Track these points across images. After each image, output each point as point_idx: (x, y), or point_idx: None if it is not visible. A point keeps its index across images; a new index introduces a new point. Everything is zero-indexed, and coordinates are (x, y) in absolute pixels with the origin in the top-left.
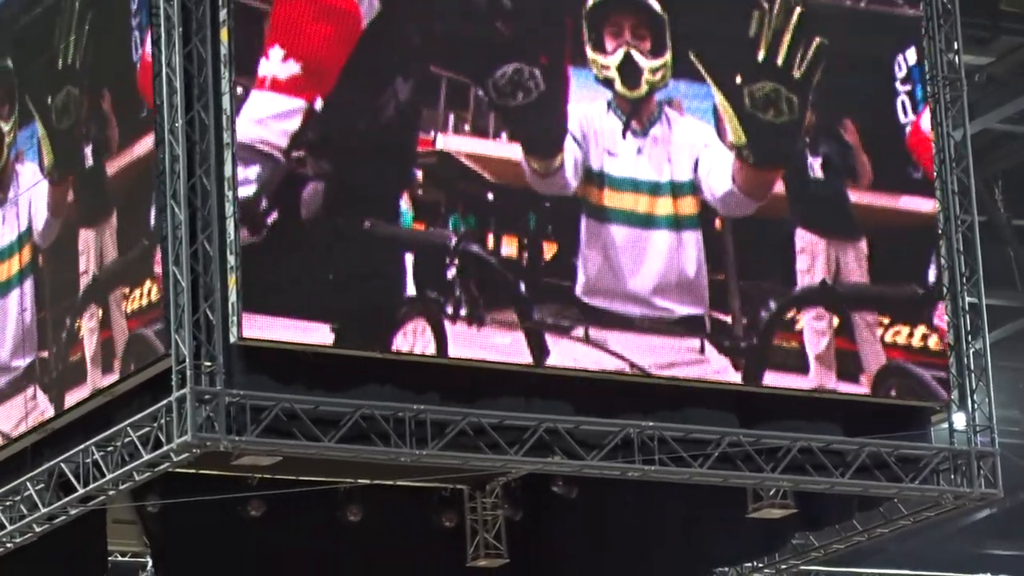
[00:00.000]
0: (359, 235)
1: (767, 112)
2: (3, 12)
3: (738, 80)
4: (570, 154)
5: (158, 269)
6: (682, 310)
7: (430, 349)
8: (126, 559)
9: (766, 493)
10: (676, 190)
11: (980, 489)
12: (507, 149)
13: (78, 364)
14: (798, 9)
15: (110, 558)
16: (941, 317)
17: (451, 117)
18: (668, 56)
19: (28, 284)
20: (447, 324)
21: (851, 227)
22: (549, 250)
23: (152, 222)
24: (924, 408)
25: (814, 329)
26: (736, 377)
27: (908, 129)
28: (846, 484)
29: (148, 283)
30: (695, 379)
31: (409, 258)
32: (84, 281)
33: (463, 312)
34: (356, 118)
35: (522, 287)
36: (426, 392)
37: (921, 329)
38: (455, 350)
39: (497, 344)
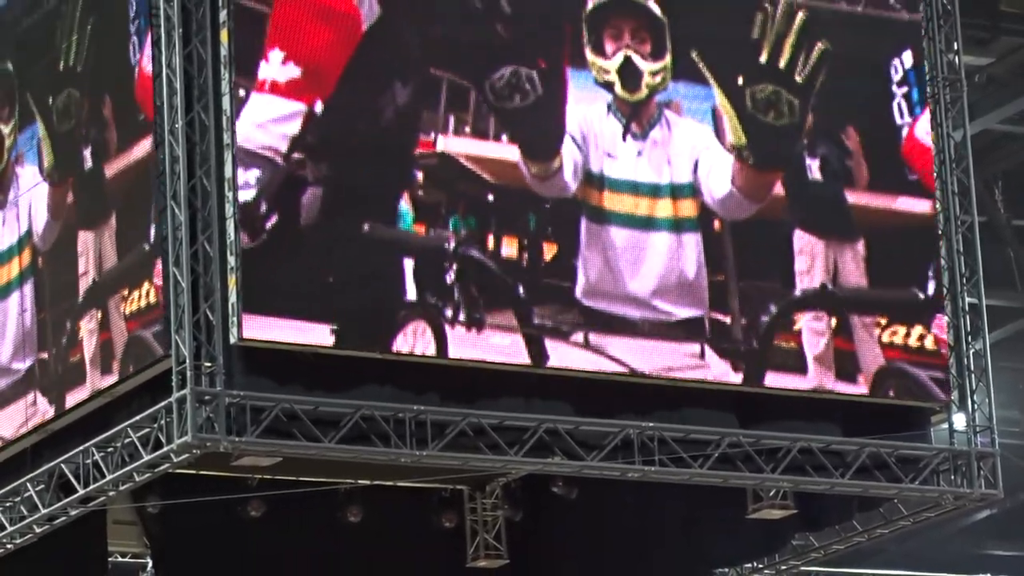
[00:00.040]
0: (358, 238)
1: (768, 114)
2: (4, 15)
3: (740, 81)
4: (569, 156)
5: (156, 271)
6: (682, 312)
7: (430, 350)
8: (126, 560)
9: (766, 494)
10: (676, 192)
11: (980, 490)
12: (507, 151)
13: (77, 365)
14: (800, 14)
15: (110, 559)
16: (940, 325)
17: (451, 119)
18: (668, 59)
19: (28, 286)
20: (447, 327)
21: (849, 228)
22: (549, 251)
23: (151, 224)
24: (924, 408)
25: (812, 330)
26: (736, 378)
27: (904, 133)
28: (846, 485)
29: (146, 285)
30: (695, 379)
31: (408, 262)
32: (83, 283)
33: (462, 317)
34: (356, 121)
35: (521, 290)
36: (426, 393)
37: (920, 330)
38: (455, 351)
39: (497, 345)
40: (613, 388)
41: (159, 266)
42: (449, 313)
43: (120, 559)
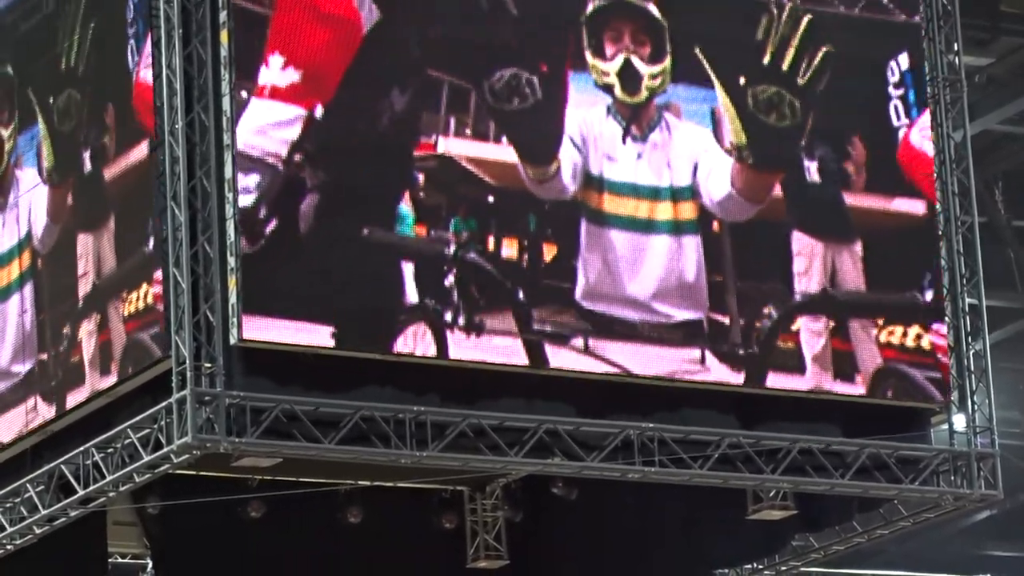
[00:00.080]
0: (358, 241)
1: (769, 115)
2: (4, 18)
3: (741, 81)
4: (568, 159)
5: (155, 274)
6: (681, 315)
7: (430, 351)
8: (126, 560)
9: (766, 494)
10: (676, 195)
11: (980, 490)
12: (506, 152)
13: (76, 366)
14: (807, 17)
15: (110, 559)
16: (938, 330)
17: (452, 121)
18: (667, 62)
19: (28, 289)
20: (447, 331)
21: (847, 229)
22: (549, 252)
23: (149, 228)
24: (924, 409)
25: (811, 330)
26: (736, 379)
27: (900, 136)
28: (846, 485)
29: (145, 287)
30: (696, 380)
31: (408, 267)
32: (83, 284)
33: (461, 321)
34: (356, 124)
35: (521, 295)
36: (426, 393)
37: (917, 330)
38: (455, 351)
39: (497, 346)
40: (613, 389)
41: (158, 269)
42: (449, 318)
43: (120, 560)
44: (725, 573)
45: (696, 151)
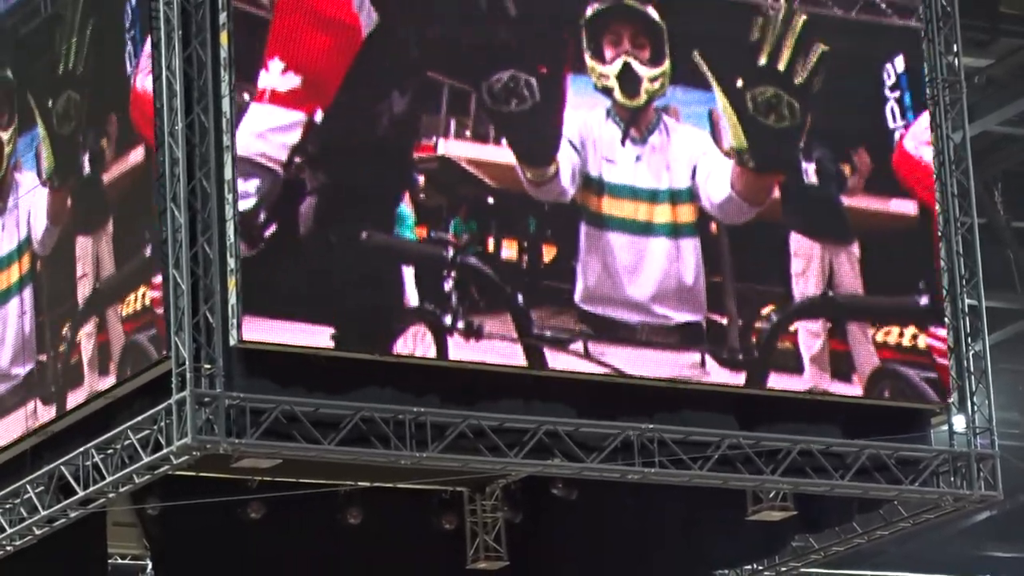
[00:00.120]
0: (358, 244)
1: (768, 117)
2: (4, 21)
3: (739, 84)
4: (567, 162)
5: (153, 277)
6: (680, 317)
7: (430, 353)
8: (126, 561)
9: (766, 495)
10: (674, 198)
11: (980, 491)
12: (505, 154)
13: (75, 367)
14: (802, 17)
15: (110, 560)
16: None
17: (452, 123)
18: (667, 65)
19: (27, 292)
20: (446, 335)
21: (844, 231)
22: (548, 253)
23: (148, 231)
24: (924, 410)
25: (808, 331)
26: (736, 380)
27: (896, 138)
28: (846, 486)
29: (142, 289)
30: (695, 381)
31: (408, 270)
32: (82, 286)
33: (461, 326)
34: (356, 127)
35: (520, 298)
36: (426, 394)
37: (912, 330)
38: (455, 353)
39: (496, 349)
40: (613, 390)
41: (156, 272)
42: (448, 322)
43: (120, 561)
44: (725, 574)
45: (695, 154)
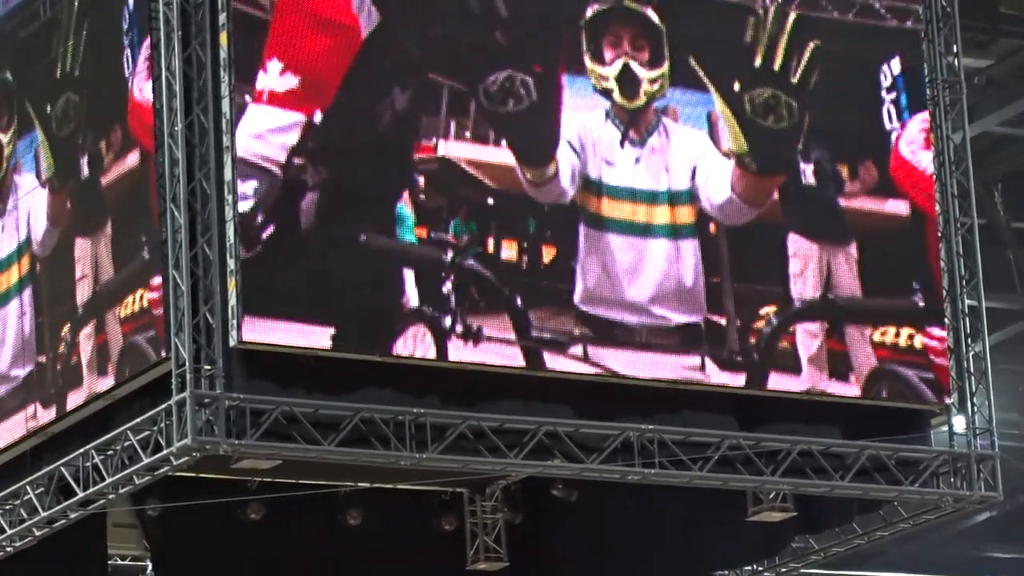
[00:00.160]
0: (357, 246)
1: (767, 118)
2: (3, 25)
3: (736, 87)
4: (566, 163)
5: (151, 279)
6: (679, 318)
7: (430, 354)
8: (126, 563)
9: (766, 496)
10: (673, 199)
11: (980, 492)
12: (504, 155)
13: (74, 368)
14: (792, 15)
15: (110, 561)
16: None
17: (452, 124)
18: (666, 67)
19: (27, 293)
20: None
21: (842, 231)
22: (548, 253)
23: (146, 233)
24: (924, 411)
25: (806, 331)
26: (735, 381)
27: (893, 139)
28: (846, 487)
29: (141, 291)
30: (695, 381)
31: (408, 273)
32: (81, 288)
33: (460, 329)
34: (355, 128)
35: (519, 301)
36: (426, 395)
37: (910, 331)
38: (455, 354)
39: (495, 351)
40: (613, 391)
41: (154, 275)
42: (447, 324)
43: (120, 562)
44: (725, 575)
45: (694, 155)
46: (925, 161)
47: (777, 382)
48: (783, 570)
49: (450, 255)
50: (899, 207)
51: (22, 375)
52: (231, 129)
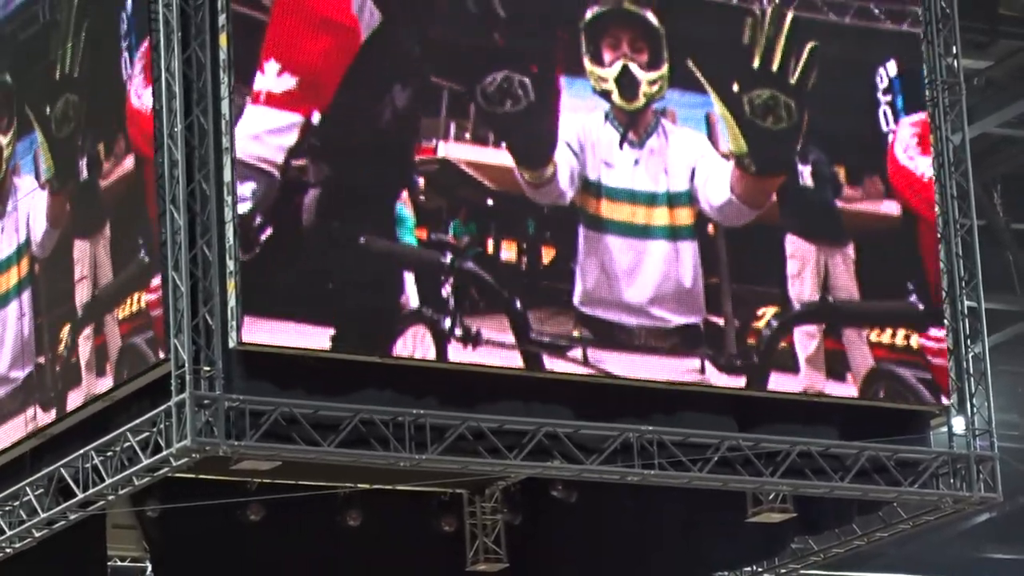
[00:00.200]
0: (357, 248)
1: (766, 119)
2: (3, 28)
3: (735, 88)
4: (564, 164)
5: (149, 281)
6: (678, 320)
7: (430, 354)
8: (126, 564)
9: (765, 497)
10: (672, 200)
11: (979, 493)
12: (503, 156)
13: (73, 368)
14: (789, 15)
15: (110, 563)
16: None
17: (452, 126)
18: (665, 68)
19: (26, 295)
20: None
21: (839, 233)
22: (547, 254)
23: (144, 235)
24: (923, 412)
25: (804, 331)
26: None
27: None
28: (845, 488)
29: (139, 293)
30: (695, 383)
31: (408, 275)
32: (79, 289)
33: (459, 332)
34: (354, 128)
35: (518, 304)
36: (425, 396)
37: (908, 332)
38: (454, 354)
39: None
40: (612, 392)
41: (152, 277)
42: (446, 327)
43: (119, 563)
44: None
45: (693, 156)
46: (917, 163)
47: (775, 382)
48: (783, 571)
49: (449, 257)
50: (893, 209)
51: (22, 376)
52: (230, 130)
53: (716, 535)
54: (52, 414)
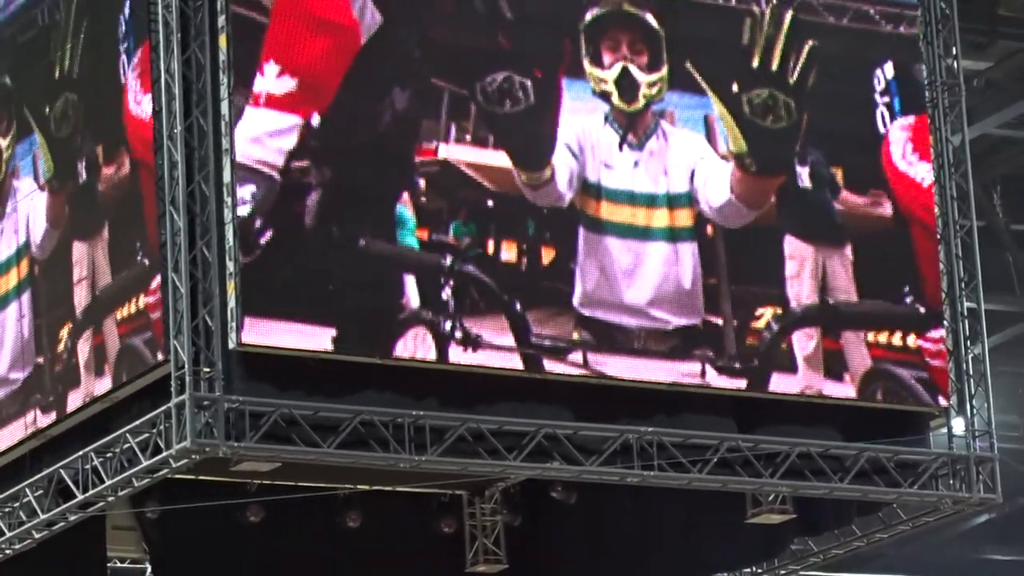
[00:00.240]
0: (355, 251)
1: (766, 119)
2: (2, 31)
3: (735, 88)
4: (563, 166)
5: (148, 284)
6: (678, 321)
7: (431, 355)
8: (125, 565)
9: (765, 498)
10: (672, 202)
11: (979, 494)
12: (504, 158)
13: (72, 369)
14: (788, 14)
15: (109, 564)
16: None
17: (452, 127)
18: (664, 70)
19: (26, 296)
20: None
21: (836, 234)
22: (547, 255)
23: (139, 240)
24: (923, 413)
25: (803, 332)
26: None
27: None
28: (845, 489)
29: (138, 295)
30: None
31: (408, 278)
32: (78, 290)
33: (459, 335)
34: (354, 130)
35: (517, 306)
36: (425, 398)
37: (905, 333)
38: (455, 355)
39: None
40: (612, 393)
41: (151, 279)
42: (447, 330)
43: (119, 565)
44: None
45: (692, 158)
46: (913, 165)
47: (774, 383)
48: (782, 572)
49: (449, 260)
50: (887, 210)
51: (21, 378)
52: (230, 132)
53: (716, 536)
54: (52, 416)
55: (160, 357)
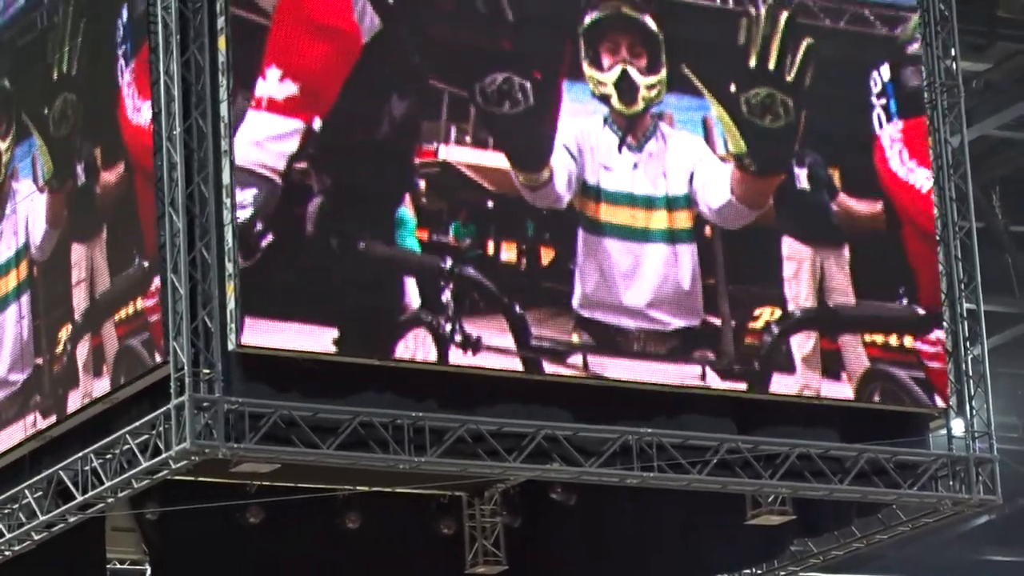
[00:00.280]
0: (356, 254)
1: (764, 118)
2: (2, 35)
3: (732, 88)
4: (562, 168)
5: (146, 286)
6: (677, 322)
7: (431, 356)
8: (125, 567)
9: (765, 500)
10: (671, 204)
11: (979, 495)
12: (502, 159)
13: (71, 372)
14: (784, 13)
15: (109, 566)
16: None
17: (452, 129)
18: (663, 73)
19: (25, 298)
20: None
21: (834, 235)
22: (547, 256)
23: (135, 245)
24: (922, 414)
25: (801, 333)
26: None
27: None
28: (845, 490)
29: (136, 297)
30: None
31: (408, 281)
32: (77, 292)
33: (459, 338)
34: (356, 133)
35: (517, 307)
36: (425, 399)
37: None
38: (455, 357)
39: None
40: (611, 395)
41: (149, 281)
42: (447, 332)
43: (119, 566)
44: None
45: (691, 160)
46: (907, 167)
47: (773, 383)
48: (782, 573)
49: (449, 263)
50: (881, 212)
51: (21, 380)
52: (229, 133)
53: (715, 537)
54: (52, 418)
55: (159, 359)
